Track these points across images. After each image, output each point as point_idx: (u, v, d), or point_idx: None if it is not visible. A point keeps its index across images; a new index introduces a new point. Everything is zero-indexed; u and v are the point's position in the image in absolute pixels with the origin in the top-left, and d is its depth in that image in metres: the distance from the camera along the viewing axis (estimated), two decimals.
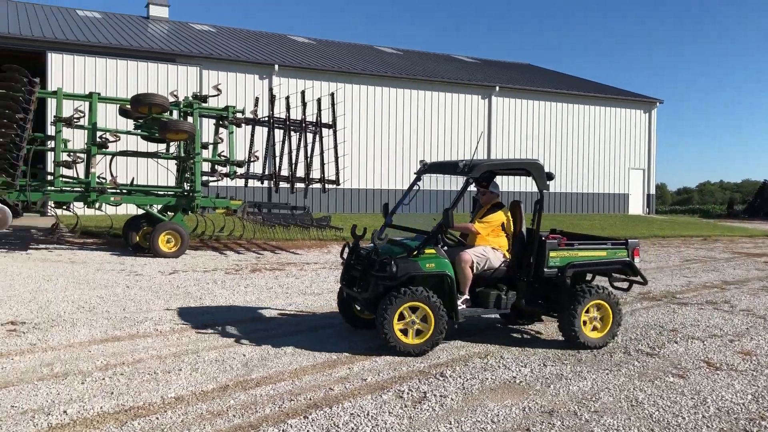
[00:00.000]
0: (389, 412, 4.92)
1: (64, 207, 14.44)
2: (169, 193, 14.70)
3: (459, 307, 6.61)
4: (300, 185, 16.27)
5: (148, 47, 23.02)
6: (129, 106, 14.07)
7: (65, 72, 21.31)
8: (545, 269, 6.85)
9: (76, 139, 17.26)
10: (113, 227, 16.49)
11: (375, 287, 6.44)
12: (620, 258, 7.09)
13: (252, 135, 16.37)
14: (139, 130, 14.75)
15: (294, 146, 16.10)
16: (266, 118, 15.80)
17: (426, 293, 6.37)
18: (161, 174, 19.12)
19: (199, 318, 7.76)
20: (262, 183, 17.27)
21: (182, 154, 15.01)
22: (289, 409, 4.92)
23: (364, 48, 34.72)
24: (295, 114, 16.63)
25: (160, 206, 14.53)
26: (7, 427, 4.35)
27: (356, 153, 26.25)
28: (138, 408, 4.82)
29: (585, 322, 6.88)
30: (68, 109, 16.27)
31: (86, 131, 13.89)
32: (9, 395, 4.93)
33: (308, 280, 10.88)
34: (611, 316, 6.95)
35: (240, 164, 15.24)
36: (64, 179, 14.11)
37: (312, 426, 4.62)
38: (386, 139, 27.22)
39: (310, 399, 5.15)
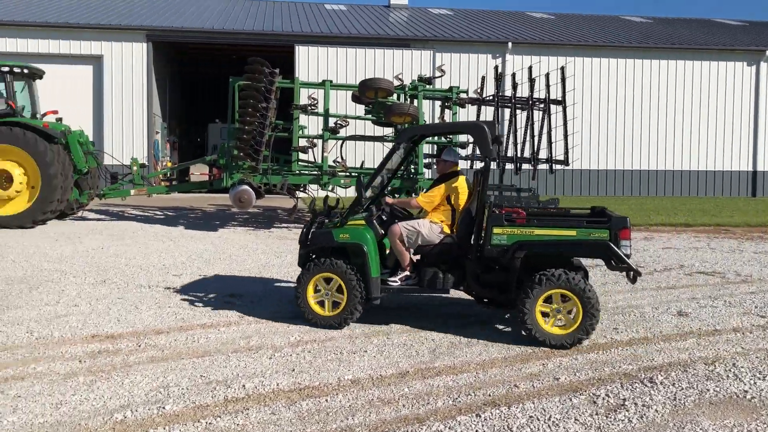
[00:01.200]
0: (575, 419, 4.31)
1: (301, 189, 15.44)
2: (397, 175, 14.98)
3: (395, 284, 6.31)
4: (526, 166, 15.61)
5: (384, 34, 23.79)
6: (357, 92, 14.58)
7: (311, 63, 22.84)
8: (487, 247, 5.96)
9: (313, 125, 18.37)
10: (344, 208, 17.26)
11: (300, 258, 6.44)
12: (595, 239, 5.78)
13: (477, 116, 16.04)
14: (369, 116, 15.22)
15: (521, 125, 15.47)
16: (491, 97, 15.36)
17: (338, 264, 6.18)
18: None
19: (394, 299, 7.66)
20: None
21: None
22: (464, 404, 4.54)
23: (608, 19, 32.45)
24: (522, 91, 15.94)
25: (389, 189, 14.89)
26: (188, 396, 4.55)
27: (587, 131, 24.65)
28: (312, 388, 4.78)
29: (547, 315, 5.85)
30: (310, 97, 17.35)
31: (320, 117, 14.68)
32: (202, 365, 5.20)
33: None
34: (581, 309, 5.75)
35: (462, 146, 15.01)
36: (301, 163, 15.08)
37: (483, 426, 4.19)
38: (622, 115, 25.16)
39: (489, 395, 4.71)
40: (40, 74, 15.05)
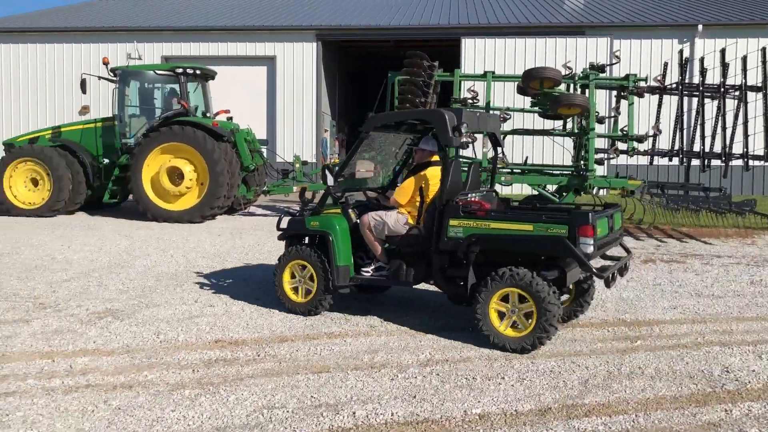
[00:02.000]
0: None
1: None
2: (564, 172, 13.83)
3: (366, 274, 6.31)
4: (716, 162, 13.72)
5: (556, 22, 22.38)
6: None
7: (477, 55, 22.04)
8: (444, 239, 5.70)
9: None
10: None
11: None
12: (551, 235, 5.29)
13: (659, 106, 14.38)
14: (535, 108, 14.20)
15: (710, 116, 13.64)
16: (675, 85, 13.67)
17: (308, 252, 6.30)
18: (558, 152, 18.33)
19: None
20: (670, 160, 15.11)
21: (576, 130, 13.95)
22: None
23: None
24: (712, 78, 14.03)
25: (554, 186, 13.79)
26: (290, 422, 4.07)
27: None
28: (431, 422, 4.11)
29: (503, 315, 5.46)
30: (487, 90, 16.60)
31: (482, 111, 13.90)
32: (316, 382, 4.71)
33: (711, 277, 8.85)
34: (535, 311, 5.30)
35: (640, 139, 13.50)
36: (460, 160, 14.41)
37: None
38: None
39: None
40: (212, 75, 15.68)
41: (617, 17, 22.90)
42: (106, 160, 14.95)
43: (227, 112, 15.90)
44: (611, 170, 17.16)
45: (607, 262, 6.14)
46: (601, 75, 13.96)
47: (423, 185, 6.18)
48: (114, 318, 6.22)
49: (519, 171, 13.99)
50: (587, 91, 13.53)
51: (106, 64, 14.77)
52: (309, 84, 23.11)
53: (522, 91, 14.55)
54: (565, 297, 6.19)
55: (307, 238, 6.67)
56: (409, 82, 13.42)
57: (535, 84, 12.90)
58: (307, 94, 23.13)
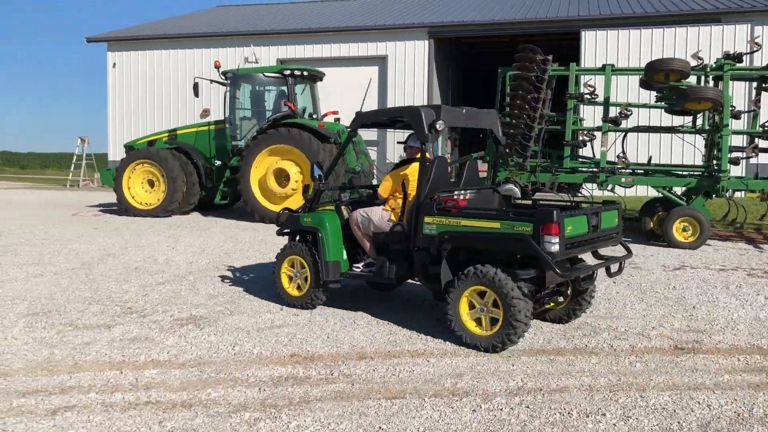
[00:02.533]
0: None
1: (576, 188, 13.82)
2: (693, 173, 12.56)
3: (356, 270, 6.45)
4: None
5: (688, 10, 20.67)
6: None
7: (598, 48, 20.77)
8: (419, 236, 5.78)
9: (591, 116, 16.47)
10: (626, 210, 15.17)
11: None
12: (517, 233, 5.21)
13: None
14: (661, 103, 13.01)
15: None
16: None
17: (302, 247, 6.51)
18: (687, 151, 16.82)
19: (682, 335, 5.90)
20: None
21: (707, 127, 12.64)
22: None
23: None
24: None
25: (682, 188, 12.56)
26: None
27: None
28: None
29: (474, 314, 5.46)
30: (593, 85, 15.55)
31: (600, 107, 12.91)
32: (388, 410, 4.23)
33: None
34: (501, 308, 5.24)
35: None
36: (577, 159, 13.48)
37: None
38: None
39: None
40: (320, 76, 15.62)
41: (759, 1, 20.84)
42: (218, 162, 15.24)
43: (335, 113, 15.77)
44: (750, 170, 15.52)
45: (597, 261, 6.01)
46: (738, 65, 12.56)
47: (404, 181, 6.22)
48: (195, 326, 6.05)
49: (642, 172, 12.87)
50: (720, 83, 12.21)
51: (217, 67, 15.04)
52: (420, 83, 22.75)
53: (646, 85, 13.39)
54: (557, 297, 6.17)
55: (302, 235, 6.85)
56: (520, 77, 12.67)
57: (660, 77, 11.78)
58: (419, 94, 22.76)
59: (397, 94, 22.81)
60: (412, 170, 6.17)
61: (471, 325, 5.43)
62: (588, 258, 6.39)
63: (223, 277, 8.17)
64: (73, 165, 27.85)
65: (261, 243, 11.13)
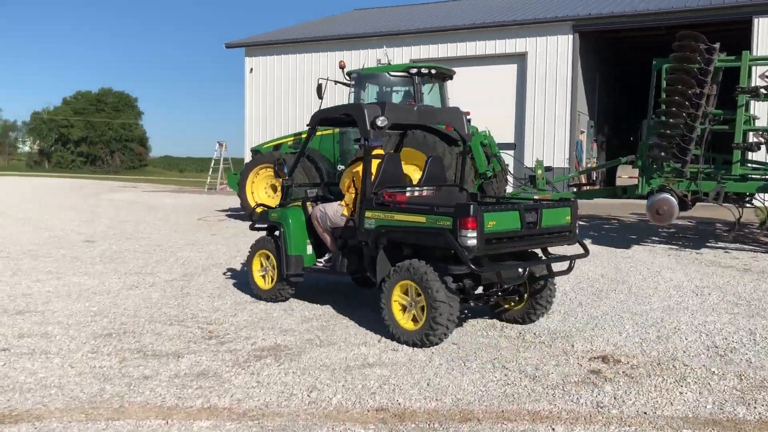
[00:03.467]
0: None
1: (747, 199, 11.73)
2: None
3: (318, 264, 6.61)
4: None
5: None
6: None
7: None
8: (361, 230, 5.88)
9: (765, 114, 14.10)
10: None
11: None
12: (438, 227, 5.21)
13: None
14: None
15: None
16: None
17: (270, 241, 6.75)
18: None
19: None
20: None
21: None
22: None
23: None
24: None
25: None
26: None
27: None
28: None
29: (405, 308, 5.46)
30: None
31: None
32: None
33: None
34: (425, 306, 5.21)
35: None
36: (748, 165, 11.43)
37: None
38: None
39: None
40: (450, 75, 14.51)
41: None
42: (342, 167, 14.55)
43: (467, 114, 14.59)
44: None
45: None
46: None
47: (355, 178, 6.30)
48: (274, 359, 5.14)
49: None
50: None
51: (342, 67, 14.35)
52: (563, 81, 21.01)
53: None
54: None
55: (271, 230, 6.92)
56: (679, 70, 10.85)
57: None
58: (561, 93, 21.04)
59: (537, 94, 21.20)
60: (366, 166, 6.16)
61: (400, 318, 5.49)
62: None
63: (325, 297, 7.26)
64: (211, 169, 28.59)
65: None
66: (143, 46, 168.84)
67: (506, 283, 5.74)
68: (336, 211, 6.42)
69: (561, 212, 5.83)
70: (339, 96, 21.16)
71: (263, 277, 6.92)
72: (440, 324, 5.20)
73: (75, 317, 6.23)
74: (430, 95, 14.09)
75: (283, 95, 24.97)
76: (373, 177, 6.04)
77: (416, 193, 6.37)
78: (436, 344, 5.35)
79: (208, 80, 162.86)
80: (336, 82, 15.08)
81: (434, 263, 5.34)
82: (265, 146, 15.86)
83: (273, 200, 14.51)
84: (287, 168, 6.77)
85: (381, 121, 5.84)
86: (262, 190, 14.67)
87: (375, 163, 6.14)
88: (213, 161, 28.38)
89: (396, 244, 5.76)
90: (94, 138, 72.29)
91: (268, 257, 6.86)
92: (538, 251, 6.11)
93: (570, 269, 6.01)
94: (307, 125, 6.79)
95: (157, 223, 14.32)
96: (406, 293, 5.47)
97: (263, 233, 7.07)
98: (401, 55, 22.55)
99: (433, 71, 13.66)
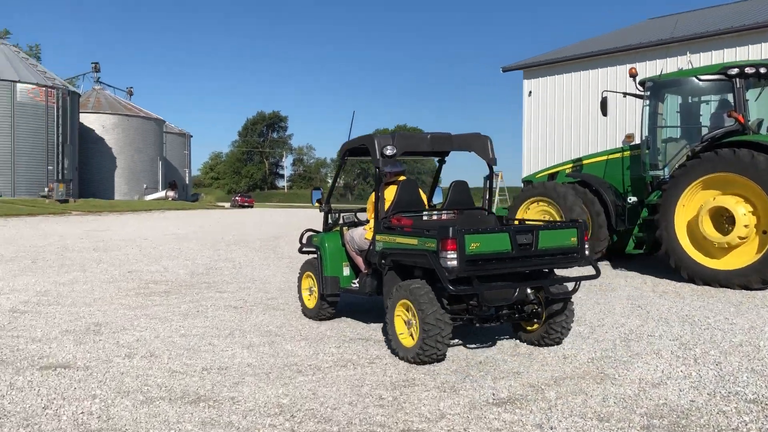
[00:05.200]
0: None
1: None
2: None
3: (353, 286, 6.87)
4: None
5: None
6: None
7: None
8: (374, 252, 6.33)
9: None
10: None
11: None
12: (425, 249, 5.56)
13: None
14: None
15: None
16: None
17: (311, 264, 7.30)
18: None
19: None
20: None
21: None
22: None
23: None
24: None
25: None
26: None
27: None
28: None
29: (408, 326, 5.69)
30: None
31: None
32: None
33: None
34: (417, 323, 5.49)
35: None
36: None
37: None
38: None
39: None
40: None
41: None
42: (633, 199, 11.72)
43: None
44: None
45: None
46: None
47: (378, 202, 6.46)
48: None
49: None
50: None
51: (633, 76, 11.56)
52: None
53: None
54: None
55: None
56: None
57: None
58: None
59: None
60: (386, 192, 6.67)
61: (401, 336, 5.70)
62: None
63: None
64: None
65: (685, 319, 7.35)
66: (423, 76, 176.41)
67: (491, 304, 5.80)
68: (360, 235, 6.81)
69: (563, 234, 5.88)
70: (629, 110, 18.06)
71: (309, 296, 7.41)
72: (429, 345, 5.39)
73: None
74: (757, 102, 10.64)
75: (564, 118, 22.46)
76: (388, 203, 6.51)
77: (435, 217, 6.68)
78: (429, 363, 5.52)
79: (484, 105, 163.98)
80: (625, 94, 12.33)
81: (433, 284, 5.56)
82: (539, 175, 13.66)
83: None
84: (321, 196, 7.50)
85: (389, 150, 6.18)
86: None
87: (393, 189, 6.66)
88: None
89: (405, 266, 6.00)
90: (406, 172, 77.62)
91: (312, 278, 7.32)
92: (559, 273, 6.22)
93: (575, 290, 5.98)
94: (338, 157, 7.18)
95: None
96: (408, 311, 5.67)
97: (312, 255, 7.49)
98: (709, 60, 18.66)
99: (762, 70, 10.26)
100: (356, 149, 6.89)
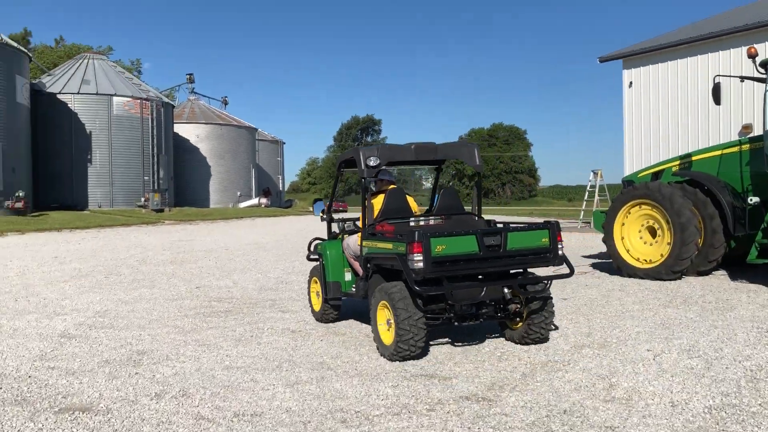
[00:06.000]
0: None
1: None
2: None
3: (352, 290, 7.13)
4: None
5: None
6: None
7: None
8: (362, 257, 6.62)
9: None
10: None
11: None
12: (397, 252, 5.86)
13: None
14: None
15: None
16: None
17: (317, 270, 7.66)
18: None
19: None
20: None
21: None
22: None
23: None
24: None
25: None
26: None
27: None
28: None
29: (389, 324, 5.94)
30: None
31: None
32: None
33: None
34: (393, 323, 5.79)
35: None
36: None
37: None
38: None
39: None
40: None
41: None
42: (755, 199, 10.11)
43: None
44: None
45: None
46: None
47: (369, 210, 6.87)
48: None
49: None
50: None
51: (752, 56, 9.93)
52: None
53: None
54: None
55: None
56: None
57: None
58: None
59: None
60: (376, 200, 7.03)
61: (382, 334, 6.03)
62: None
63: None
64: (584, 202, 25.26)
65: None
66: (528, 75, 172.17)
67: (459, 303, 5.95)
68: (354, 242, 7.03)
69: (535, 235, 6.08)
70: (747, 97, 16.09)
71: (317, 299, 7.77)
72: (402, 347, 5.75)
73: None
74: None
75: (670, 109, 20.49)
76: (376, 210, 6.83)
77: (421, 223, 6.84)
78: (405, 360, 5.85)
79: (580, 101, 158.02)
80: (742, 78, 10.68)
81: (408, 286, 5.77)
82: (641, 174, 12.20)
83: (651, 248, 10.77)
84: (324, 206, 7.83)
85: (372, 161, 6.47)
86: (635, 234, 11.02)
87: (382, 197, 6.91)
88: (587, 193, 25.03)
89: (388, 270, 6.24)
90: (486, 171, 75.59)
91: (318, 283, 7.68)
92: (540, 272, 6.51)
93: (546, 289, 6.18)
94: (337, 169, 7.52)
95: None
96: (389, 311, 5.90)
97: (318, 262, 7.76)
98: None
99: None
100: (349, 161, 7.11)
